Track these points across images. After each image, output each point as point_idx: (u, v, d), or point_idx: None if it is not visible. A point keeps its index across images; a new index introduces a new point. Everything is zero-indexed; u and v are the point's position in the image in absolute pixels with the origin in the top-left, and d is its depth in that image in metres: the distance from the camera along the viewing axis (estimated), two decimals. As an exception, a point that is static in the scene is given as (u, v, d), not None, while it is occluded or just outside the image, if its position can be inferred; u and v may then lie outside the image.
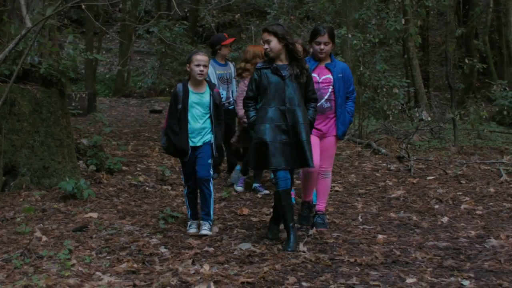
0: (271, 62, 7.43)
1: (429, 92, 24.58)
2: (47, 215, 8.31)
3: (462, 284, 5.92)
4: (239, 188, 10.38)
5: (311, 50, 8.42)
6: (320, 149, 8.07)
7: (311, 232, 7.84)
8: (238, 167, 10.66)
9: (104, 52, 34.23)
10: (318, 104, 7.82)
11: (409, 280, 6.05)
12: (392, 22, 18.56)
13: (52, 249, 6.89)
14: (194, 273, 6.24)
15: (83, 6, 9.34)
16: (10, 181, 9.24)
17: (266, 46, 7.39)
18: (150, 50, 33.41)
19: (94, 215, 8.37)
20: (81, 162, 10.61)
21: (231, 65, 11.12)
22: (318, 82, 8.01)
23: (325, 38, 7.97)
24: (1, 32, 9.38)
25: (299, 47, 8.38)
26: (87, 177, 10.07)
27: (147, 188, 10.25)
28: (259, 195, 10.03)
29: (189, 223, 8.05)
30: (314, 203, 8.50)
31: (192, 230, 7.89)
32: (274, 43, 7.32)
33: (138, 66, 34.23)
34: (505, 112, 19.46)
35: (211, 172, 8.02)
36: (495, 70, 25.73)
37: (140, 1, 30.03)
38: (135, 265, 6.46)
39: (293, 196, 8.86)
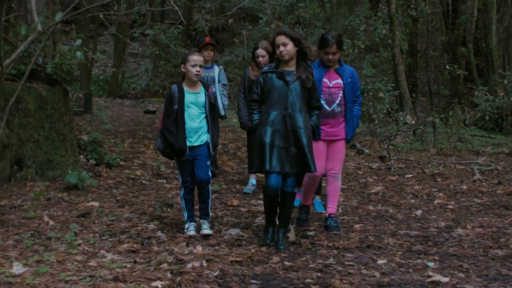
0: (277, 66, 7.55)
1: (417, 97, 25.29)
2: (52, 203, 8.97)
3: (427, 265, 6.67)
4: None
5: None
6: (330, 153, 8.22)
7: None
8: (254, 180, 10.77)
9: (98, 53, 34.80)
10: (330, 109, 8.06)
11: (380, 261, 6.80)
12: (380, 30, 19.31)
13: (59, 231, 7.57)
14: (188, 253, 6.96)
15: (100, 15, 9.86)
16: (16, 172, 9.88)
17: (282, 48, 7.40)
18: (144, 53, 33.94)
19: (96, 204, 9.05)
20: (81, 156, 11.25)
21: (216, 68, 11.27)
22: (329, 87, 8.10)
23: (333, 48, 8.00)
24: (12, 33, 9.97)
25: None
26: (87, 170, 10.70)
27: (143, 181, 10.93)
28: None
29: (186, 225, 7.95)
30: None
31: (191, 232, 7.80)
32: (290, 47, 7.40)
33: (132, 68, 34.75)
34: (487, 117, 20.22)
35: (210, 174, 8.04)
36: (480, 76, 26.49)
37: (135, 4, 30.59)
38: (135, 246, 7.18)
39: (298, 197, 9.23)
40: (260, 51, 10.14)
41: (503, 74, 20.89)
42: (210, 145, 7.96)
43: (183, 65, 7.94)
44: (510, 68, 21.45)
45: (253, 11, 29.21)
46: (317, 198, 9.67)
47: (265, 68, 7.68)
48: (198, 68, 7.82)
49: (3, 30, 9.31)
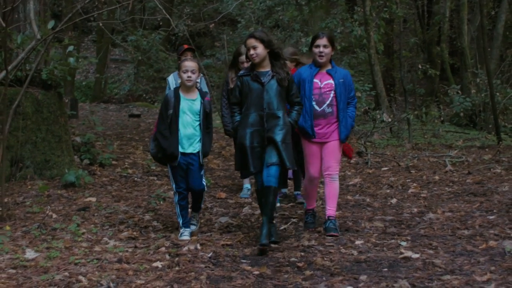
0: (252, 69, 7.66)
1: (394, 96, 26.05)
2: (52, 199, 9.61)
3: (400, 244, 7.40)
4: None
5: (305, 59, 9.11)
6: (324, 154, 8.17)
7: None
8: (248, 185, 10.69)
9: (80, 60, 35.23)
10: (320, 109, 8.06)
11: (357, 242, 7.54)
12: (356, 31, 20.00)
13: (63, 223, 8.25)
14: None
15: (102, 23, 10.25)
16: (16, 172, 10.49)
17: (252, 51, 7.53)
18: (125, 58, 34.47)
19: (93, 199, 9.69)
20: (75, 157, 11.87)
21: None
22: (320, 88, 8.09)
23: (323, 41, 8.04)
24: (9, 41, 10.52)
25: (290, 56, 9.30)
26: (82, 169, 11.32)
27: (135, 179, 11.57)
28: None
29: (181, 231, 7.95)
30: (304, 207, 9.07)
31: (185, 237, 7.78)
32: (260, 49, 7.50)
33: (114, 74, 35.26)
34: (461, 114, 20.98)
35: (204, 183, 8.15)
36: (455, 75, 27.26)
37: (115, 11, 31.03)
38: (134, 233, 7.90)
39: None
40: (244, 58, 9.57)
41: (475, 72, 21.62)
42: (200, 154, 8.00)
43: (178, 72, 8.09)
44: (482, 66, 22.16)
45: (232, 15, 29.86)
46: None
47: (241, 72, 7.87)
48: (189, 74, 7.86)
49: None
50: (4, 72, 8.86)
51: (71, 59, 10.44)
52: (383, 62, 26.07)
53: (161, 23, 31.78)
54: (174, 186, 8.07)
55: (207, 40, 32.66)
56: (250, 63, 7.76)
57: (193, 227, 8.09)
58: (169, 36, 32.82)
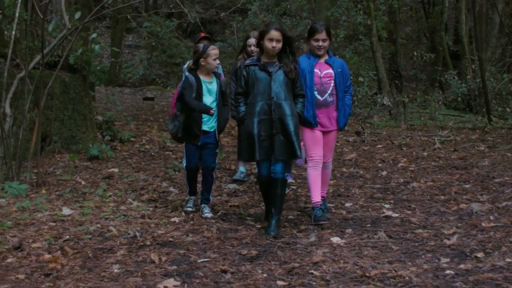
0: (259, 59, 7.73)
1: (399, 81, 27.14)
2: (79, 170, 10.79)
3: (383, 206, 8.63)
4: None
5: (302, 48, 9.59)
6: (324, 143, 8.28)
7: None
8: (243, 168, 10.84)
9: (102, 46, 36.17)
10: (322, 98, 8.09)
11: (347, 204, 8.79)
12: (361, 20, 21.09)
13: (91, 188, 9.42)
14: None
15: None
16: (45, 146, 11.65)
17: (275, 44, 7.53)
18: (138, 44, 35.54)
19: (116, 169, 10.88)
20: (98, 133, 13.06)
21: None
22: (320, 77, 8.12)
23: (323, 35, 8.07)
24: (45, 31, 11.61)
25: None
26: (105, 144, 12.52)
27: (152, 153, 12.78)
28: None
29: (186, 198, 8.64)
30: None
31: (189, 208, 8.41)
32: (281, 44, 7.57)
33: (127, 59, 36.33)
34: (459, 99, 22.13)
35: (216, 162, 8.65)
36: (457, 62, 28.35)
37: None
38: (154, 196, 9.10)
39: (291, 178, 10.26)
40: (252, 40, 9.96)
41: (472, 59, 22.70)
42: (216, 131, 8.34)
43: (202, 59, 8.20)
44: (479, 54, 23.24)
45: (242, 3, 30.77)
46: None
47: (248, 62, 7.85)
48: (218, 61, 8.28)
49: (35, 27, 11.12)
50: (39, 56, 10.02)
51: (96, 47, 11.50)
52: (389, 49, 27.07)
53: (173, 10, 32.71)
54: (185, 164, 8.59)
55: (218, 27, 33.66)
56: (257, 50, 7.99)
57: (207, 214, 8.23)
58: (181, 23, 33.85)
